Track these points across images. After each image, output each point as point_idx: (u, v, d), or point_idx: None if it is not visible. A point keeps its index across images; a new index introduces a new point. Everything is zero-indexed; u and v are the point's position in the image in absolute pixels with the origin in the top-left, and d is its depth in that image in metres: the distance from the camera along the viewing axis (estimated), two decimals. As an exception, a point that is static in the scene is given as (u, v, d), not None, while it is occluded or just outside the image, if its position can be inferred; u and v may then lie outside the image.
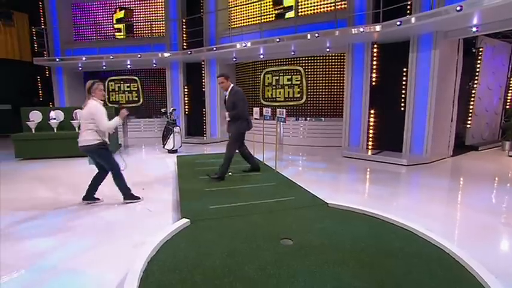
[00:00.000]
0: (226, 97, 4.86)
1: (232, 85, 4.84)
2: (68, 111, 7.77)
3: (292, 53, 8.22)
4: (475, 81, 7.71)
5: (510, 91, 8.84)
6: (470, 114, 7.88)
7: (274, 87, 9.04)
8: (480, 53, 7.59)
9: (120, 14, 10.96)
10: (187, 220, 2.97)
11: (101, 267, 2.50)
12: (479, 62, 7.62)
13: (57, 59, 10.16)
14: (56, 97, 11.27)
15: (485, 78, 7.92)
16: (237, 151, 4.91)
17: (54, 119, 7.48)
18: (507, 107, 8.70)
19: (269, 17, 8.69)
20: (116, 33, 11.07)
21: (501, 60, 8.40)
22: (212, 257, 2.34)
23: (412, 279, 2.06)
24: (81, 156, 7.19)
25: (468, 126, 7.94)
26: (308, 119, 8.72)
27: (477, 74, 7.68)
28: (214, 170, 4.75)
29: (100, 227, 3.32)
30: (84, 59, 9.95)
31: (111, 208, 3.92)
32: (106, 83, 11.51)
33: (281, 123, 7.00)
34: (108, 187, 4.05)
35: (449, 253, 2.33)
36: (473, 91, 7.75)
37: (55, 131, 7.45)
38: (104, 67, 10.81)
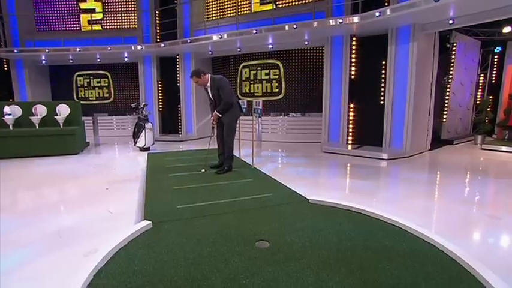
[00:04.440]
0: (210, 91, 4.48)
1: (210, 76, 4.48)
2: (26, 107, 7.05)
3: (270, 46, 7.94)
4: (450, 77, 7.80)
5: (480, 87, 9.07)
6: (445, 109, 7.96)
7: (251, 82, 8.72)
8: (454, 48, 7.67)
9: (88, 4, 10.20)
10: (148, 222, 2.57)
11: (41, 283, 2.07)
12: (453, 57, 7.71)
13: (16, 50, 9.28)
14: (16, 93, 10.33)
15: (459, 73, 8.04)
16: (215, 135, 4.75)
17: (10, 114, 6.74)
18: (478, 102, 8.91)
19: (246, 9, 8.36)
20: (83, 24, 10.29)
21: (472, 57, 8.58)
22: (173, 265, 1.97)
23: (407, 281, 1.80)
24: (40, 156, 6.63)
25: (444, 120, 8.02)
26: (287, 114, 8.48)
27: (451, 69, 7.77)
28: (194, 166, 4.66)
29: (49, 232, 2.85)
30: (47, 51, 9.16)
31: (66, 211, 3.44)
32: (74, 78, 10.73)
33: (259, 118, 6.72)
34: (66, 188, 3.56)
35: (443, 250, 2.11)
36: (448, 86, 7.84)
37: (11, 128, 6.72)
38: (71, 61, 10.03)
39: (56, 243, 2.63)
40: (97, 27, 10.10)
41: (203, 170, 4.53)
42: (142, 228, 2.48)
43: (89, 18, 10.09)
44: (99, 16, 10.13)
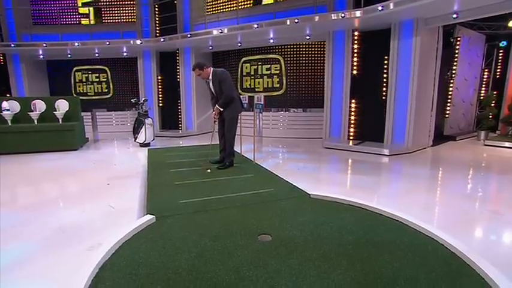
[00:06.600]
0: (211, 84, 4.46)
1: (212, 69, 4.44)
2: (25, 102, 7.02)
3: (271, 41, 7.89)
4: (453, 72, 7.75)
5: (484, 82, 9.02)
6: (448, 105, 7.92)
7: (252, 77, 8.68)
8: (458, 43, 7.60)
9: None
10: (152, 217, 2.58)
11: (47, 276, 2.07)
12: (456, 52, 7.65)
13: (13, 45, 9.19)
14: (13, 88, 10.26)
15: (462, 68, 7.98)
16: (216, 131, 4.75)
17: (8, 110, 6.71)
18: (481, 97, 8.87)
19: (247, 3, 8.30)
20: (82, 18, 10.20)
21: (476, 52, 8.51)
22: (177, 258, 1.99)
23: (407, 274, 1.82)
24: (39, 152, 6.60)
25: (447, 116, 7.99)
26: (288, 110, 8.47)
27: (455, 64, 7.70)
28: (195, 162, 4.72)
29: (51, 227, 2.86)
30: (44, 45, 9.08)
31: (67, 206, 3.44)
32: (72, 73, 10.65)
33: (260, 114, 6.69)
34: (67, 184, 3.57)
35: (443, 244, 2.12)
36: (451, 81, 7.79)
37: (9, 123, 6.69)
38: (69, 55, 9.95)
39: (59, 238, 2.64)
40: (95, 21, 10.00)
41: (209, 171, 4.35)
42: (145, 222, 2.48)
43: (86, 11, 9.98)
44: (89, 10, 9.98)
